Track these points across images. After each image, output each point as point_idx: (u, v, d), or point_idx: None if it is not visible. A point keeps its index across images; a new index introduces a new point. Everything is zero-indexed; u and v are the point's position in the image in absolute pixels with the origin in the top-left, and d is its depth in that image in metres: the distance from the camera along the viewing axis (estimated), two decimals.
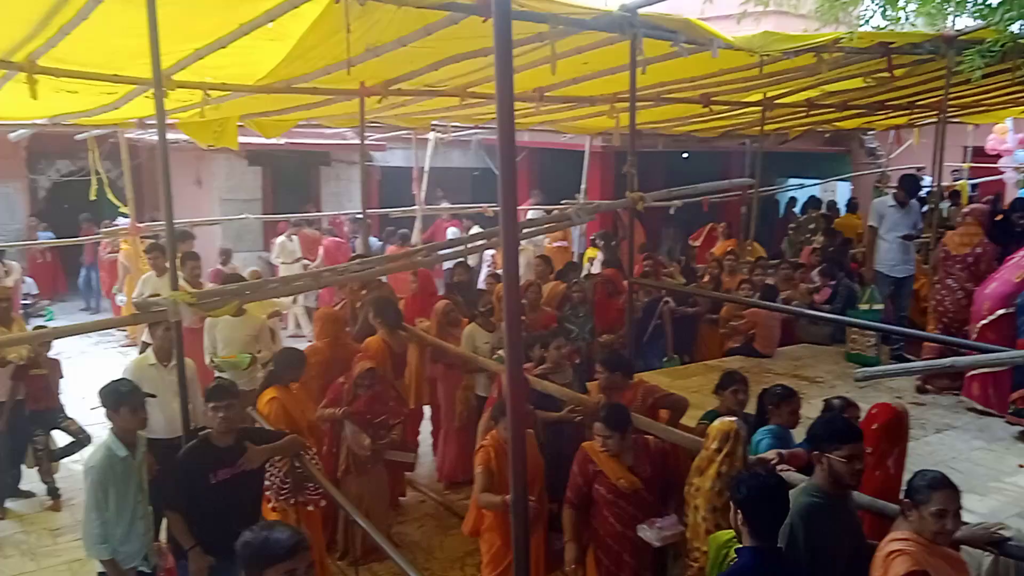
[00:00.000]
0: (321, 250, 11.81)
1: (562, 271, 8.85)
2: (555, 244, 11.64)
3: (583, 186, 12.86)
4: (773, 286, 8.41)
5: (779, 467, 3.85)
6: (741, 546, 3.16)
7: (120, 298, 11.27)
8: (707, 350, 8.38)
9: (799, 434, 4.29)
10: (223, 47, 4.82)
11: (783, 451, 3.97)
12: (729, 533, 3.58)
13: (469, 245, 7.42)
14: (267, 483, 4.88)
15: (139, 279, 8.02)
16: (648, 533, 4.12)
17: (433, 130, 11.55)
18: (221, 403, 4.17)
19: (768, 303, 7.61)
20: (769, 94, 9.07)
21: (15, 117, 7.91)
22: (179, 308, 4.20)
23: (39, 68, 4.87)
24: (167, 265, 7.37)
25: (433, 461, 7.51)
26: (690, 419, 5.07)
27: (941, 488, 2.99)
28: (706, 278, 9.20)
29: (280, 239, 12.08)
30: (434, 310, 7.00)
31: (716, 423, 4.04)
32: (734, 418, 4.15)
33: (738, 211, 12.50)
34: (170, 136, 4.53)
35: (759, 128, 10.19)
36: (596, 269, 9.79)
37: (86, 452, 6.31)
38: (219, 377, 5.70)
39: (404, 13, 4.58)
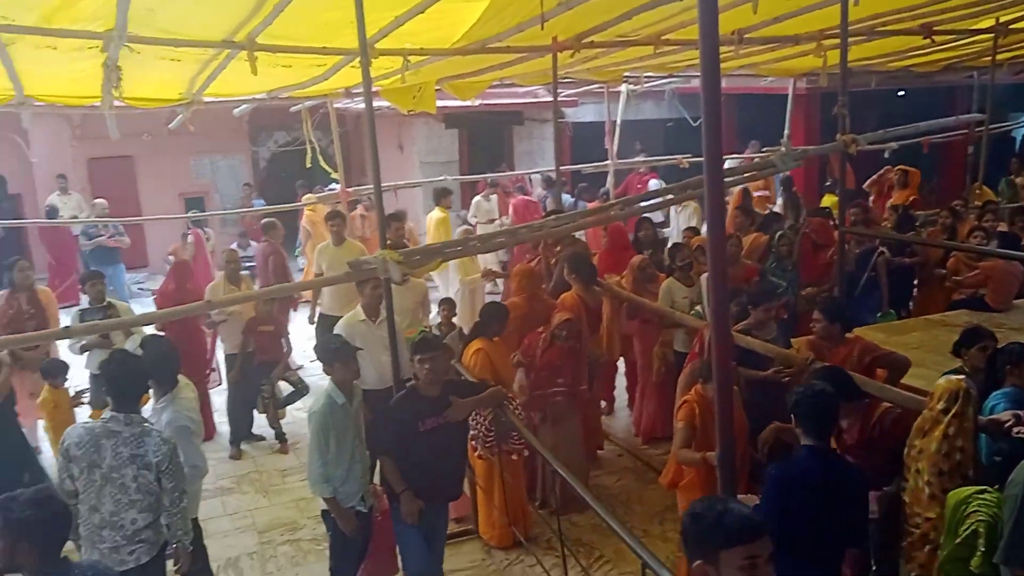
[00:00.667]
0: (511, 209, 12.02)
1: (765, 222, 8.44)
2: (756, 194, 11.13)
3: (787, 132, 12.15)
4: (1013, 234, 7.54)
5: (1016, 430, 3.50)
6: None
7: (301, 261, 12.06)
8: (927, 304, 7.72)
9: None
10: (421, 12, 4.94)
11: (1021, 412, 3.61)
12: (969, 489, 3.36)
13: (665, 198, 7.25)
14: (473, 431, 5.08)
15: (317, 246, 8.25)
16: None
17: (625, 82, 11.32)
18: (427, 355, 4.35)
19: (1009, 252, 6.86)
20: (1003, 18, 8.08)
21: (238, 93, 8.59)
22: (388, 266, 4.41)
23: (258, 46, 5.22)
24: (345, 234, 7.83)
25: (630, 416, 7.51)
26: (911, 379, 4.70)
27: None
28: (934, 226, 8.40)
29: (477, 199, 12.41)
30: (629, 265, 6.93)
31: (942, 381, 3.73)
32: (962, 376, 3.80)
33: (963, 152, 11.28)
34: (374, 103, 4.71)
35: (990, 58, 9.12)
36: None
37: (307, 401, 6.90)
38: (422, 331, 5.99)
39: None
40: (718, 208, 2.51)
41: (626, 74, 10.39)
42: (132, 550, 3.80)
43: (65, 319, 7.24)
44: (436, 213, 10.40)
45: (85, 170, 14.88)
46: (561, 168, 8.61)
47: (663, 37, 6.90)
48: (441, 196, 10.50)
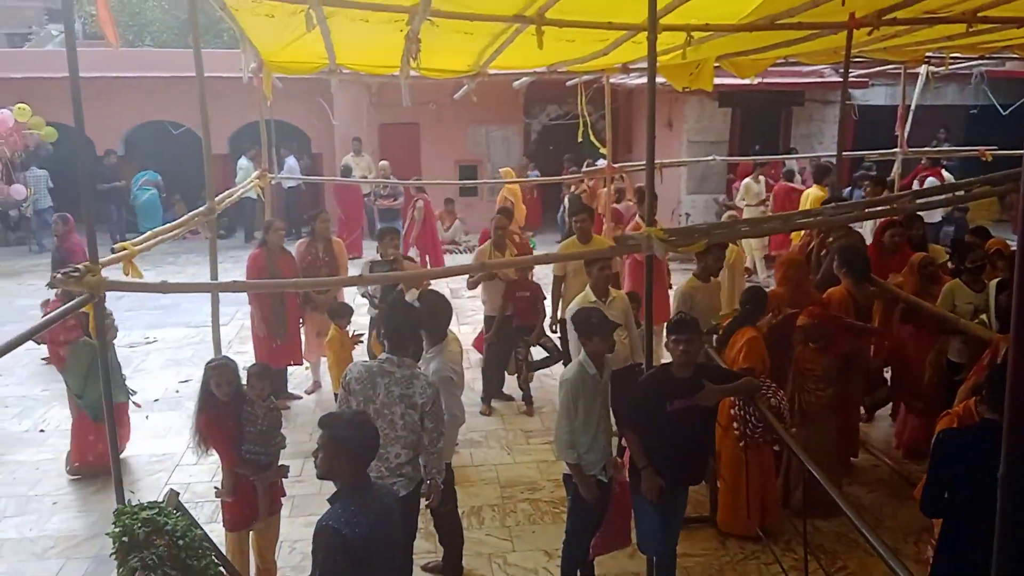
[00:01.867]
0: (771, 196, 11.48)
1: None
2: None
3: None
4: None
5: None
6: None
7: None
8: None
9: None
10: None
11: None
12: None
13: (956, 193, 6.55)
14: (736, 414, 4.97)
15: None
16: None
17: (926, 63, 10.30)
18: (683, 336, 4.30)
19: None
20: None
21: (520, 66, 8.93)
22: (652, 242, 4.40)
23: (546, 20, 5.38)
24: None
25: (891, 426, 6.96)
26: None
27: None
28: None
29: (747, 180, 11.98)
30: (909, 263, 6.36)
31: None
32: None
33: None
34: (645, 80, 4.67)
35: None
36: None
37: (557, 368, 7.10)
38: (681, 313, 5.90)
39: None
40: None
41: (928, 54, 9.44)
42: (393, 482, 4.16)
43: (352, 269, 8.01)
44: (814, 191, 10.27)
45: (376, 134, 16.28)
46: (844, 154, 8.06)
47: (980, 14, 6.17)
48: (823, 174, 10.31)
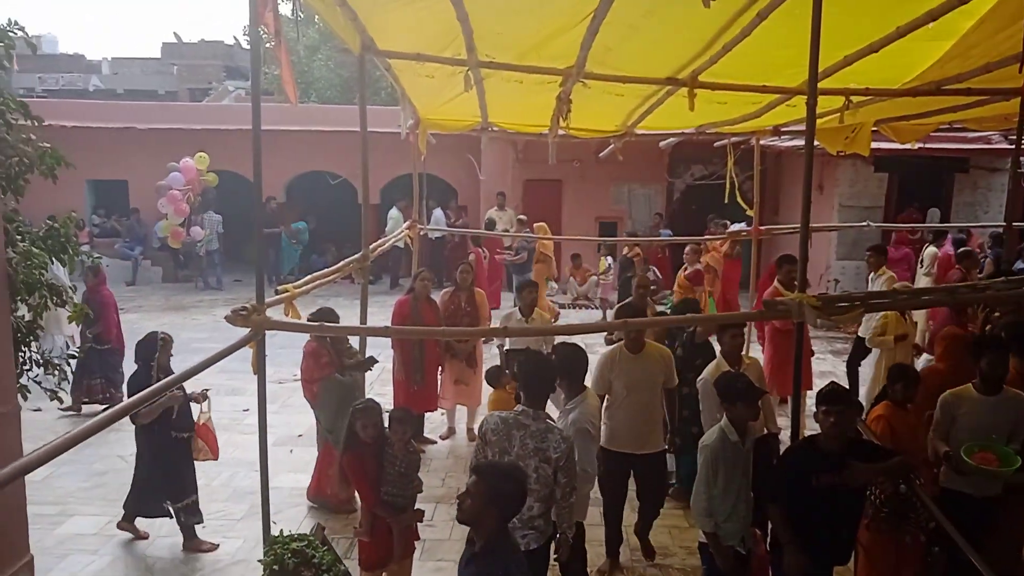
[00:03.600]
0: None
1: None
2: None
3: None
4: None
5: None
6: None
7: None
8: None
9: None
10: (875, 52, 4.68)
11: None
12: None
13: None
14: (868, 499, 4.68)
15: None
16: None
17: None
18: (834, 408, 4.12)
19: None
20: None
21: (668, 127, 8.95)
22: (803, 309, 4.24)
23: (699, 83, 5.40)
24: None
25: None
26: None
27: None
28: None
29: (931, 248, 11.38)
30: None
31: None
32: None
33: None
34: (797, 143, 4.58)
35: None
36: None
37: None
38: (833, 383, 5.64)
39: None
40: None
41: None
42: (524, 534, 4.15)
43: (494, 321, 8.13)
44: None
45: (520, 189, 16.67)
46: (1013, 224, 7.55)
47: None
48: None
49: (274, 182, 16.99)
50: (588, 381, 5.10)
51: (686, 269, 10.91)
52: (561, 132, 7.43)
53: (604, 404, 5.50)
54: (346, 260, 6.31)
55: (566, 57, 5.06)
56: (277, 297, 4.50)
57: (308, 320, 5.87)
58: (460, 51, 5.06)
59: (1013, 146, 6.88)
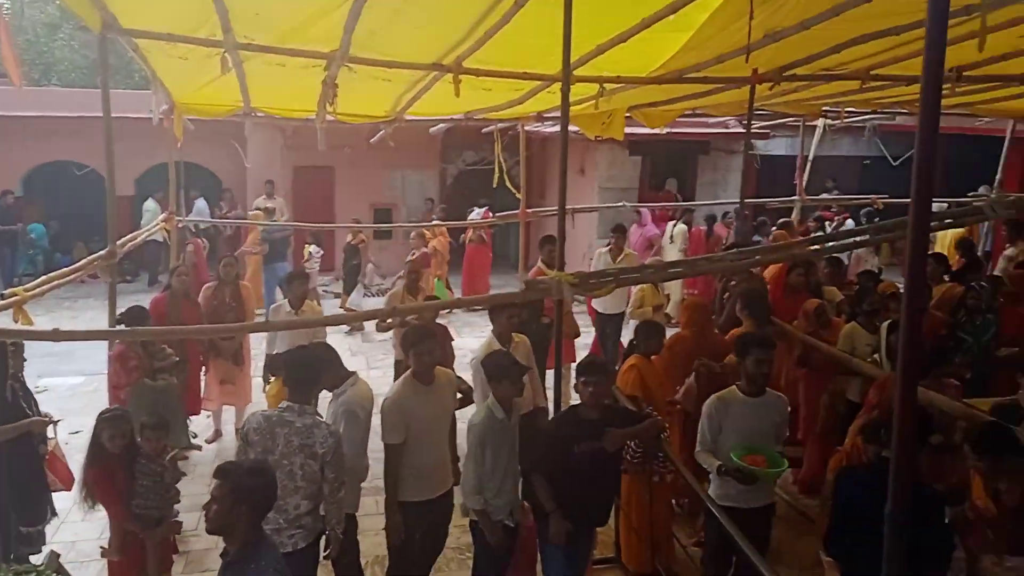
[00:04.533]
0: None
1: (958, 272, 7.75)
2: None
3: (998, 177, 11.26)
4: None
5: None
6: None
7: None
8: None
9: None
10: (623, 41, 4.99)
11: None
12: None
13: (855, 239, 6.91)
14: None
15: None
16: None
17: (823, 116, 10.90)
18: (592, 378, 4.36)
19: None
20: None
21: (438, 113, 9.03)
22: (562, 287, 4.44)
23: (464, 69, 5.48)
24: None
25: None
26: None
27: None
28: None
29: (680, 225, 12.30)
30: (803, 310, 6.58)
31: None
32: None
33: None
34: (559, 128, 4.82)
35: None
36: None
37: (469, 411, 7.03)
38: (591, 354, 6.01)
39: None
40: (921, 253, 2.36)
41: (825, 108, 10.00)
42: (292, 534, 4.03)
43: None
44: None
45: (291, 177, 16.09)
46: (746, 201, 8.41)
47: (872, 72, 6.59)
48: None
49: (9, 173, 15.18)
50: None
51: (413, 253, 11.11)
52: (329, 117, 7.24)
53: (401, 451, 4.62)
54: (90, 257, 5.76)
55: (330, 40, 4.92)
56: (4, 302, 4.03)
57: (118, 321, 5.35)
58: (216, 31, 4.77)
59: (746, 130, 7.64)
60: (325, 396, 4.69)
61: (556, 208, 4.74)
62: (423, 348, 4.57)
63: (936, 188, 2.55)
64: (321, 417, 4.26)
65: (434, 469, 4.67)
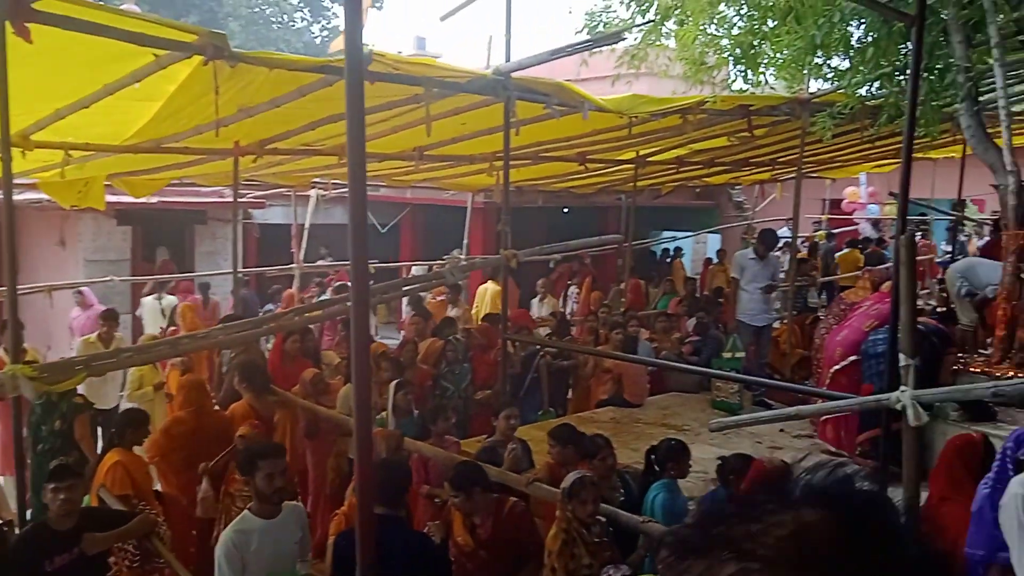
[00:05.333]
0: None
1: (438, 327, 8.68)
2: (437, 299, 11.65)
3: (465, 242, 13.02)
4: (635, 337, 8.38)
5: None
6: None
7: None
8: (580, 403, 8.41)
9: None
10: (85, 107, 4.68)
11: None
12: None
13: (325, 309, 7.32)
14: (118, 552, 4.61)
15: None
16: None
17: (314, 187, 11.46)
18: (63, 484, 3.95)
19: (629, 356, 7.59)
20: (641, 152, 9.50)
21: None
22: (19, 382, 3.82)
23: None
24: None
25: None
26: None
27: None
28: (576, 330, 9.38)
29: (151, 299, 11.54)
30: (301, 379, 6.70)
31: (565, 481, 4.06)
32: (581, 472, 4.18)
33: (614, 263, 12.87)
34: (31, 196, 4.34)
35: (633, 184, 10.64)
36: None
37: None
38: (62, 460, 5.37)
39: (277, 75, 4.59)
40: (363, 314, 2.83)
41: (315, 179, 10.52)
42: None
43: None
44: (491, 285, 10.63)
45: None
46: (244, 270, 8.43)
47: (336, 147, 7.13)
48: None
49: None
50: None
51: None
52: None
53: None
54: None
55: None
56: None
57: None
58: None
59: (234, 200, 7.68)
60: None
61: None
62: None
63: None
64: None
65: None
